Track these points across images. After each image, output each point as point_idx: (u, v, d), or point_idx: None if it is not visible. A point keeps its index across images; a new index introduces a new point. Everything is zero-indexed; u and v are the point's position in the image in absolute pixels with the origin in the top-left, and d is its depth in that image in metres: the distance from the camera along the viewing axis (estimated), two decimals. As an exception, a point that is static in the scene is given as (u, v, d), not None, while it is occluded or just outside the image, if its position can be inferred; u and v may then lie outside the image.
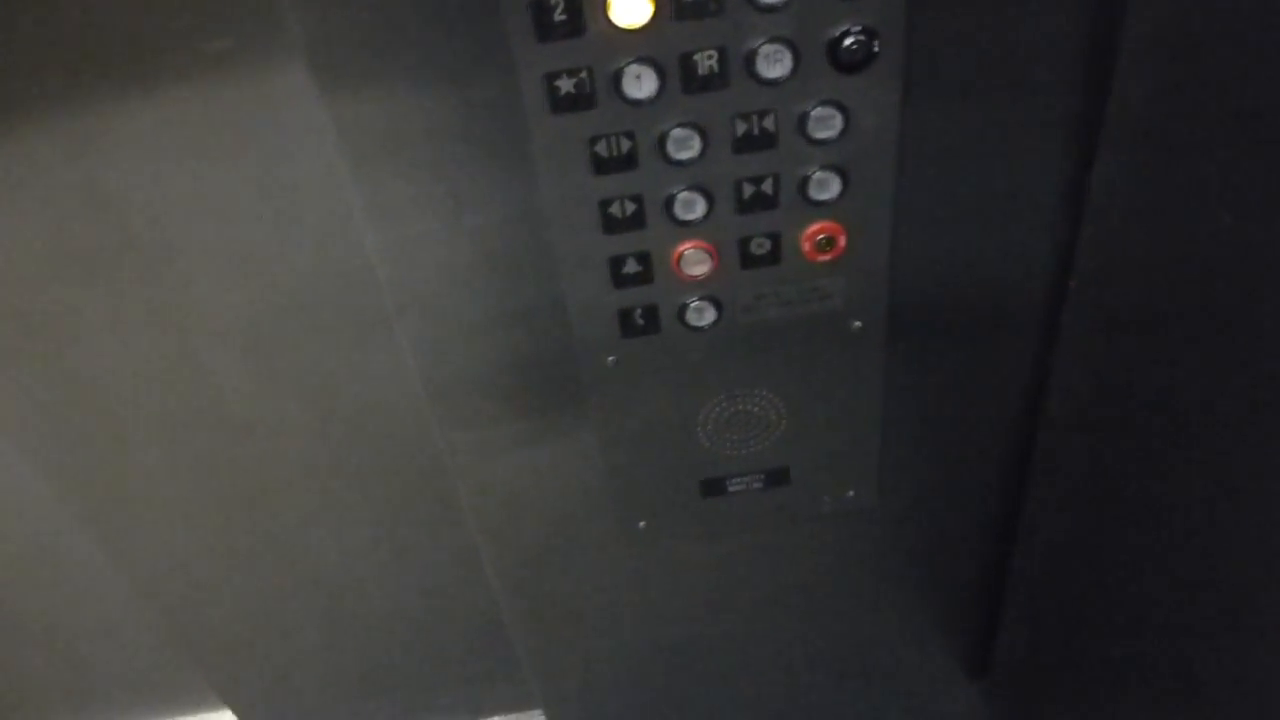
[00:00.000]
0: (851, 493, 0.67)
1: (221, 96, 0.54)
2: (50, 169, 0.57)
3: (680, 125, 0.48)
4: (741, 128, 0.49)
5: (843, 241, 0.53)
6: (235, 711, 0.94)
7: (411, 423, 0.68)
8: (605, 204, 0.51)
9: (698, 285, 0.55)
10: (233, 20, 0.50)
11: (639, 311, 0.56)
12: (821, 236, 0.53)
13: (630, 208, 0.51)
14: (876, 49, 0.46)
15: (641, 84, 0.46)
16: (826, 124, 0.49)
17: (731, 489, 0.66)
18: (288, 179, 0.58)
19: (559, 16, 0.44)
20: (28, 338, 0.64)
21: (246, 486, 0.74)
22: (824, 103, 0.48)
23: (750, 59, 0.46)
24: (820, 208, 0.52)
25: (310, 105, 0.51)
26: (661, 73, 0.46)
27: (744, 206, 0.51)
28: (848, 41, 0.46)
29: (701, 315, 0.56)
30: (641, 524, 0.68)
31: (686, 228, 0.52)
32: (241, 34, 0.51)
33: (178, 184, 0.58)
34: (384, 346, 0.65)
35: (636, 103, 0.47)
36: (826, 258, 0.54)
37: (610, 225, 0.52)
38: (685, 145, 0.49)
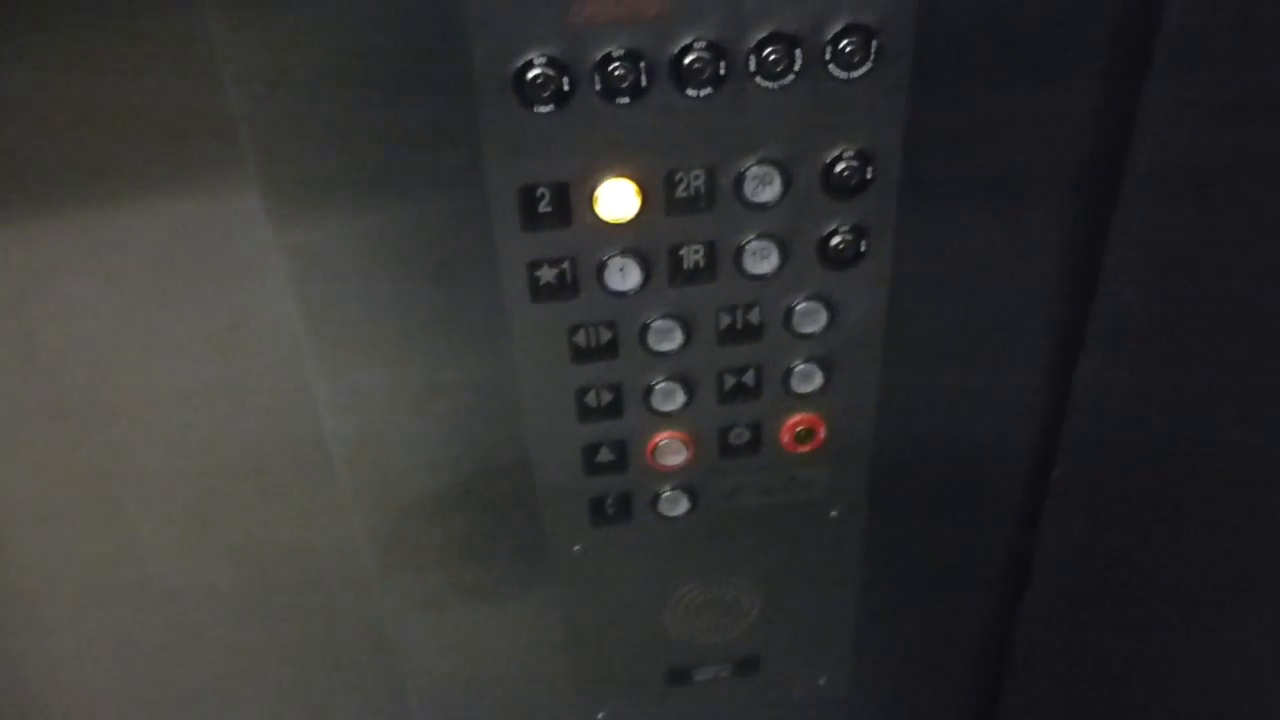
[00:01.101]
0: (823, 681, 0.64)
1: (181, 261, 0.51)
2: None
3: (663, 317, 0.47)
4: (726, 320, 0.47)
5: (823, 433, 0.52)
6: None
7: (352, 603, 0.64)
8: (582, 392, 0.49)
9: (672, 475, 0.53)
10: (197, 192, 0.48)
11: (610, 500, 0.53)
12: (802, 428, 0.51)
13: (607, 397, 0.49)
14: (864, 248, 0.46)
15: (625, 276, 0.45)
16: (812, 318, 0.48)
17: (698, 678, 0.63)
18: (238, 346, 0.55)
19: (545, 208, 0.43)
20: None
21: (166, 660, 0.69)
22: (810, 297, 0.47)
23: (738, 254, 0.45)
24: (802, 399, 0.51)
25: (268, 270, 0.48)
26: (646, 265, 0.45)
27: (725, 397, 0.50)
28: (836, 240, 0.45)
29: (675, 505, 0.54)
30: (600, 715, 0.63)
31: (664, 418, 0.50)
32: (208, 203, 0.49)
33: (121, 337, 0.55)
34: (330, 521, 0.61)
35: (619, 294, 0.45)
36: (806, 449, 0.52)
37: (586, 413, 0.49)
38: (667, 337, 0.47)
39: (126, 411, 0.57)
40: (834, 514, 0.56)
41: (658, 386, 0.49)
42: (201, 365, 0.55)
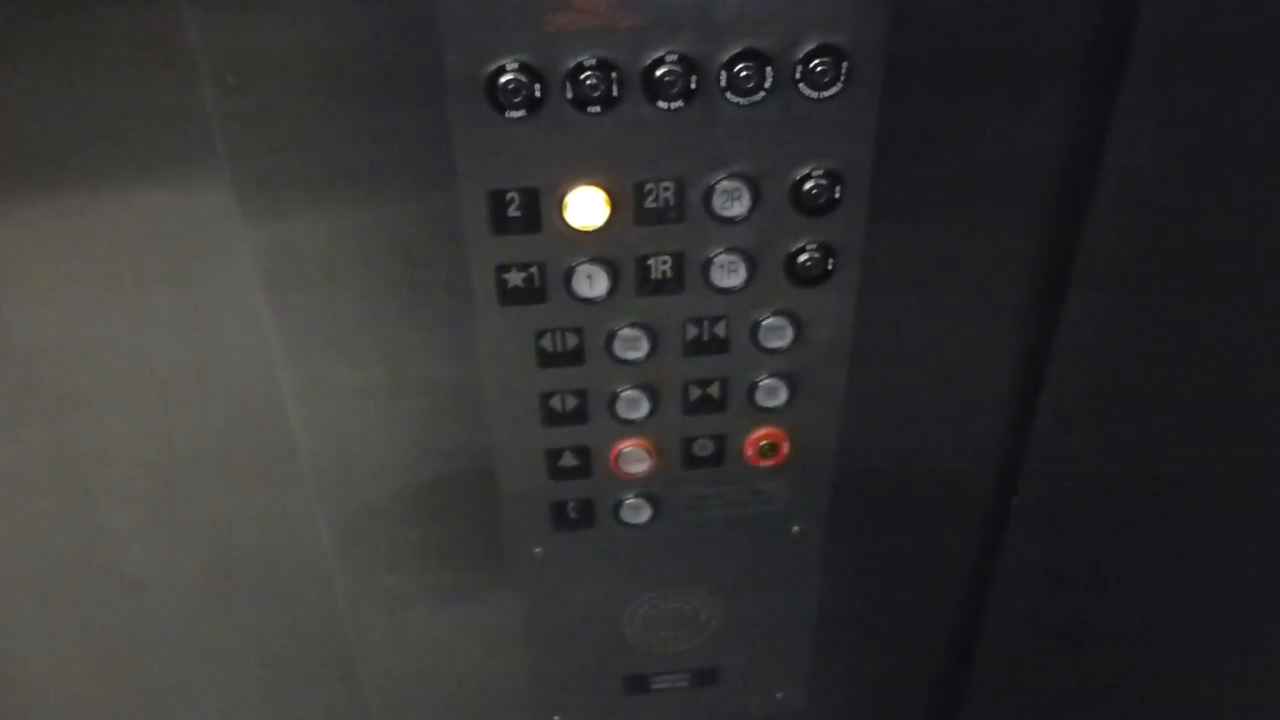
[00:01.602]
0: (780, 695, 0.64)
1: (152, 255, 0.51)
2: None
3: (630, 326, 0.47)
4: (692, 332, 0.47)
5: (786, 448, 0.52)
6: None
7: (315, 596, 0.64)
8: (547, 396, 0.49)
9: (635, 483, 0.53)
10: (170, 186, 0.48)
11: (572, 505, 0.53)
12: (765, 442, 0.52)
13: (572, 403, 0.49)
14: (832, 266, 0.46)
15: (593, 284, 0.45)
16: (778, 334, 0.48)
17: (655, 686, 0.63)
18: (211, 332, 0.55)
19: (514, 212, 0.43)
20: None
21: (127, 644, 0.69)
22: (777, 313, 0.47)
23: (705, 267, 0.45)
24: (766, 414, 0.51)
25: (239, 265, 0.48)
26: (614, 274, 0.45)
27: (689, 408, 0.50)
28: (804, 257, 0.46)
29: (637, 512, 0.54)
30: (556, 718, 0.64)
31: (628, 425, 0.50)
32: (180, 198, 0.49)
33: (91, 329, 0.55)
34: (294, 513, 0.61)
35: (586, 301, 0.46)
36: (769, 463, 0.53)
37: (550, 418, 0.50)
38: (633, 345, 0.47)
39: (97, 402, 0.57)
40: (796, 529, 0.56)
41: (623, 394, 0.49)
42: (171, 358, 0.55)
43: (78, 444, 0.59)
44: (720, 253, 0.45)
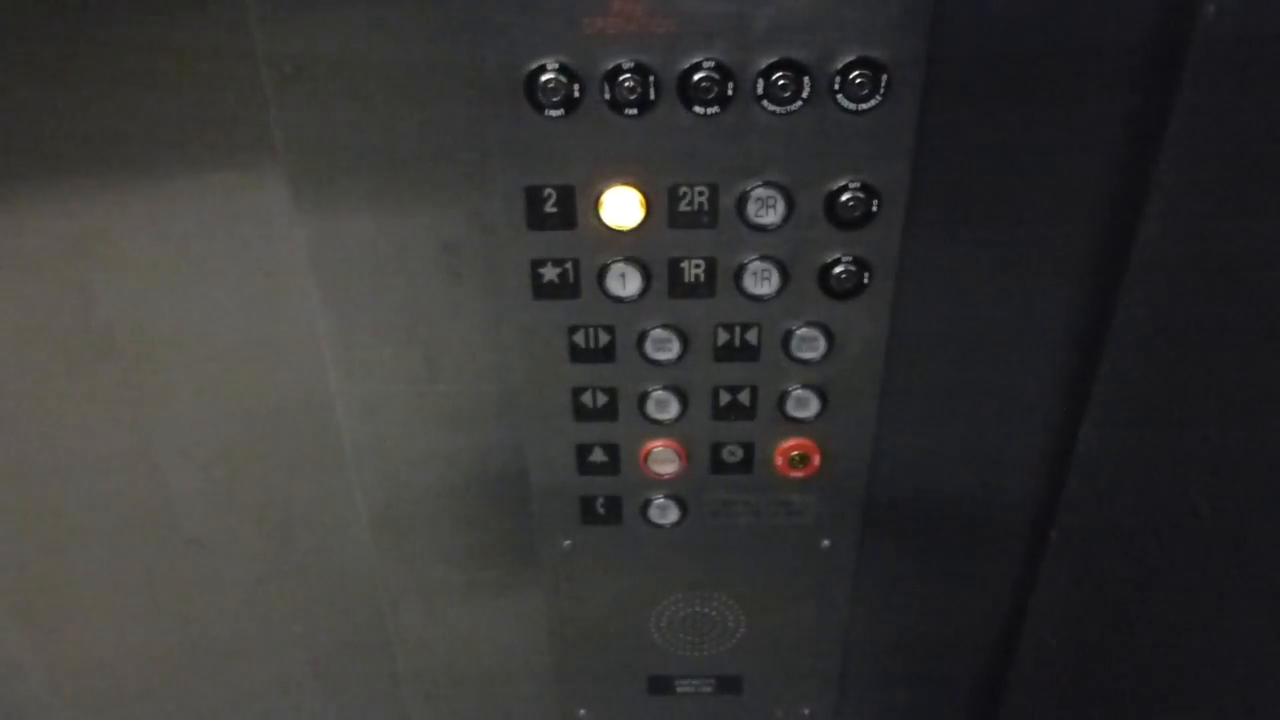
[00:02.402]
0: (807, 710, 0.64)
1: (222, 225, 0.54)
2: (45, 264, 0.57)
3: (661, 326, 0.47)
4: (723, 337, 0.48)
5: (817, 460, 0.52)
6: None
7: (356, 573, 0.66)
8: (578, 391, 0.50)
9: (664, 483, 0.53)
10: (229, 174, 0.51)
11: (601, 501, 0.54)
12: (796, 453, 0.52)
13: (602, 399, 0.50)
14: (867, 280, 0.46)
15: (625, 283, 0.46)
16: (810, 345, 0.48)
17: (680, 689, 0.63)
18: (272, 312, 0.57)
19: (550, 208, 0.44)
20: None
21: (184, 600, 0.72)
22: (810, 324, 0.47)
23: (738, 273, 0.46)
24: (797, 424, 0.51)
25: (297, 250, 0.50)
26: (647, 274, 0.46)
27: (719, 413, 0.50)
28: (838, 270, 0.45)
29: (665, 513, 0.54)
30: (582, 712, 0.64)
31: (658, 426, 0.51)
32: (242, 171, 0.52)
33: (168, 300, 0.58)
34: (338, 493, 0.63)
35: (619, 299, 0.46)
36: (799, 474, 0.52)
37: (581, 413, 0.50)
38: (664, 346, 0.48)
39: (166, 370, 0.60)
40: (826, 543, 0.55)
41: (653, 394, 0.50)
42: (232, 336, 0.58)
43: (147, 408, 0.62)
44: (753, 260, 0.45)
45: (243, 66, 0.44)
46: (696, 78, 0.40)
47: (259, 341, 0.58)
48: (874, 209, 0.44)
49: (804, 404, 0.50)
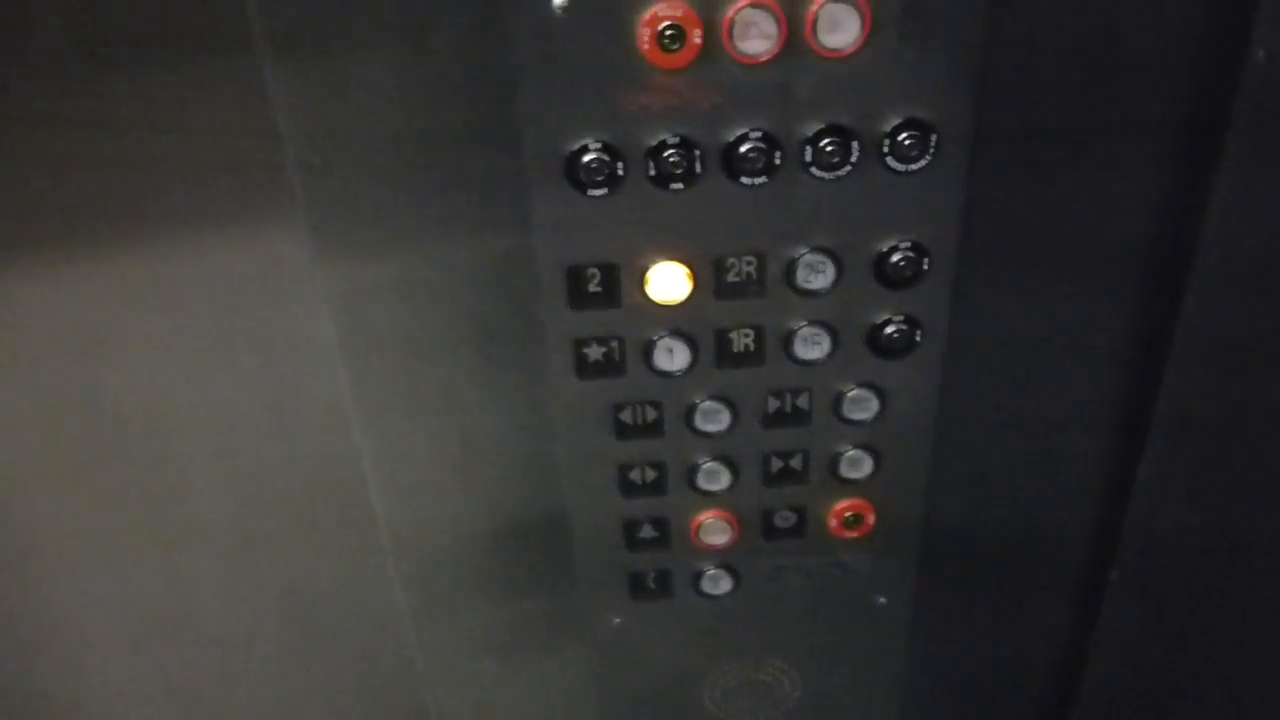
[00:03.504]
0: (864, 768, 0.62)
1: (238, 308, 0.52)
2: (50, 367, 0.55)
3: (710, 398, 0.46)
4: (774, 405, 0.47)
5: (871, 519, 0.51)
6: None
7: (393, 660, 0.64)
8: (625, 468, 0.48)
9: (715, 554, 0.52)
10: (253, 244, 0.49)
11: (651, 576, 0.52)
12: (850, 514, 0.50)
13: (651, 474, 0.49)
14: (918, 338, 0.45)
15: (673, 357, 0.45)
16: (862, 405, 0.47)
17: (735, 759, 0.61)
18: (292, 393, 0.56)
19: (594, 288, 0.43)
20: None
21: (209, 701, 0.70)
22: (860, 385, 0.46)
23: (788, 339, 0.45)
24: (850, 485, 0.50)
25: (318, 325, 0.49)
26: (694, 347, 0.45)
27: (770, 480, 0.49)
28: (889, 329, 0.44)
29: (717, 583, 0.53)
30: (634, 789, 0.62)
31: (708, 497, 0.50)
32: (266, 261, 0.50)
33: (179, 390, 0.56)
34: (374, 571, 0.62)
35: (666, 374, 0.45)
36: (854, 534, 0.51)
37: (628, 489, 0.49)
38: (714, 418, 0.47)
39: (181, 460, 0.58)
40: (881, 600, 0.54)
41: (703, 466, 0.48)
42: (253, 419, 0.56)
43: (162, 502, 0.60)
44: (803, 326, 0.44)
45: (264, 145, 0.43)
46: (743, 149, 0.39)
47: (281, 428, 0.57)
48: (924, 267, 0.43)
49: (857, 464, 0.49)
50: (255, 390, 0.55)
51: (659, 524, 0.50)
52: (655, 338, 0.44)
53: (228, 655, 0.67)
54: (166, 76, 0.44)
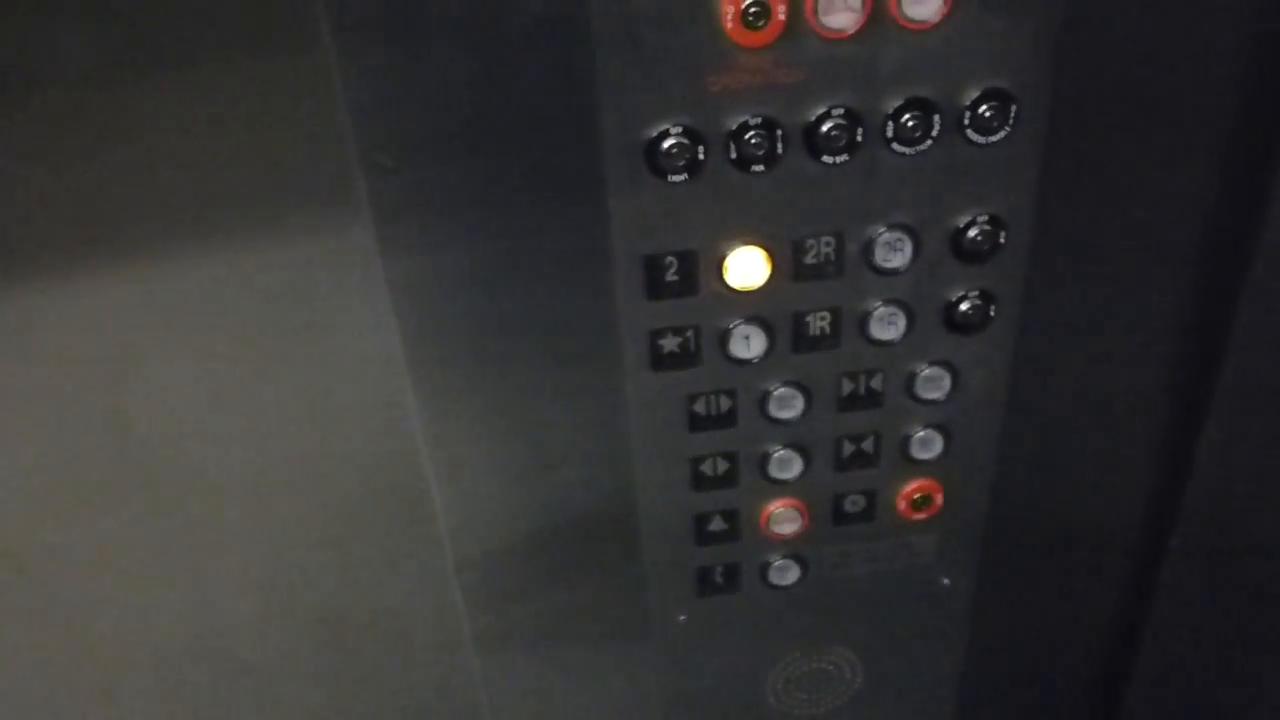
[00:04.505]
0: (922, 752, 0.62)
1: (270, 327, 0.50)
2: (75, 394, 0.53)
3: (784, 384, 0.45)
4: (848, 387, 0.46)
5: (940, 500, 0.50)
6: None
7: (444, 676, 0.63)
8: (697, 461, 0.48)
9: (784, 544, 0.51)
10: (310, 248, 0.47)
11: (719, 570, 0.51)
12: (918, 495, 0.50)
13: (723, 465, 0.48)
14: (992, 313, 0.44)
15: (750, 344, 0.44)
16: (935, 384, 0.46)
17: (796, 749, 0.61)
18: (325, 412, 0.54)
19: (671, 276, 0.42)
20: (20, 574, 0.59)
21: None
22: (934, 363, 0.46)
23: (864, 320, 0.44)
24: (919, 466, 0.49)
25: (364, 334, 0.47)
26: (770, 333, 0.44)
27: (841, 465, 0.48)
28: (964, 305, 0.44)
29: (785, 574, 0.52)
30: (695, 787, 0.61)
31: (779, 485, 0.49)
32: (322, 256, 0.48)
33: (209, 414, 0.54)
34: (407, 591, 0.60)
35: (741, 362, 0.44)
36: (922, 516, 0.51)
37: (700, 483, 0.48)
38: (788, 404, 0.46)
39: (212, 481, 0.56)
40: (946, 581, 0.54)
41: (775, 455, 0.48)
42: (289, 433, 0.55)
43: (189, 529, 0.58)
44: (879, 305, 0.44)
45: (310, 146, 0.42)
46: (825, 127, 0.39)
47: (318, 442, 0.55)
48: (1000, 240, 0.42)
49: (928, 445, 0.48)
50: (286, 408, 0.53)
51: (729, 516, 0.50)
52: (732, 325, 0.43)
53: (262, 681, 0.65)
54: (210, 79, 0.42)
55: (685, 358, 0.44)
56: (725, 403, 0.46)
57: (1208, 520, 0.52)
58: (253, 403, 0.54)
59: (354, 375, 0.52)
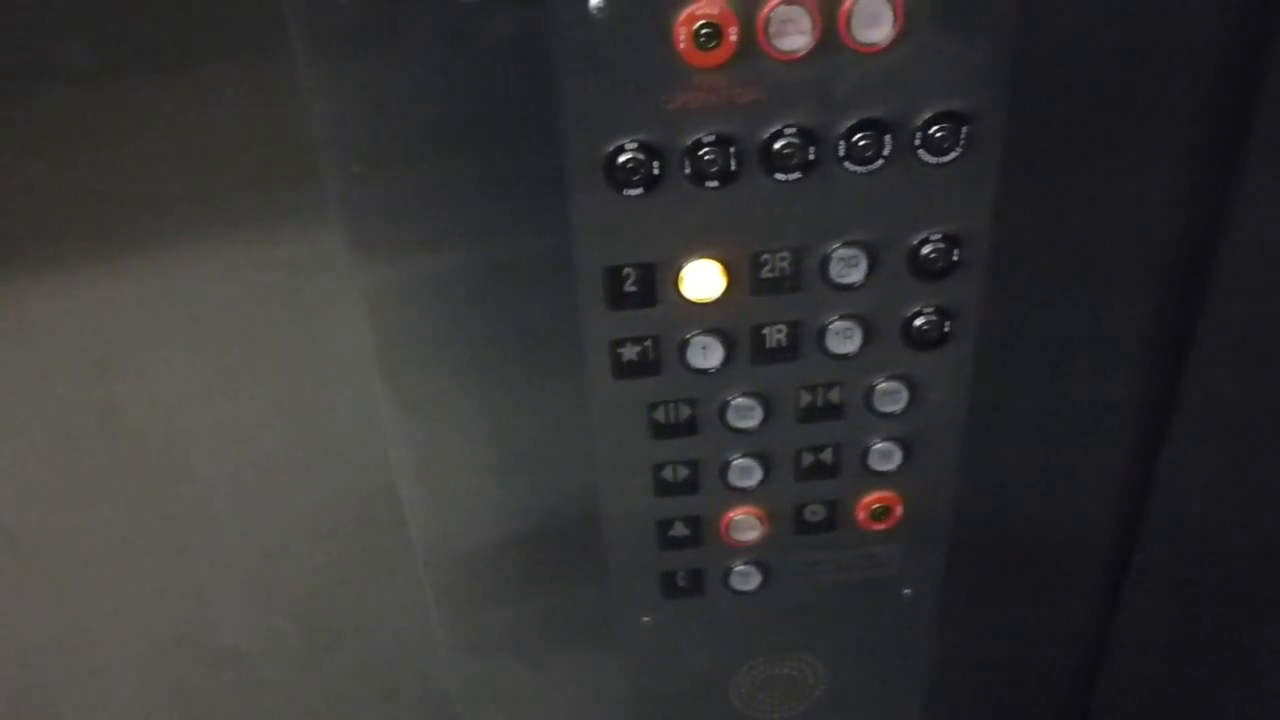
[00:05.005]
0: (888, 759, 0.63)
1: (260, 322, 0.52)
2: (66, 386, 0.54)
3: (744, 395, 0.46)
4: (806, 399, 0.47)
5: (899, 511, 0.51)
6: None
7: (417, 669, 0.64)
8: (659, 467, 0.49)
9: (746, 550, 0.52)
10: (281, 250, 0.49)
11: (682, 574, 0.52)
12: (878, 506, 0.51)
13: (684, 473, 0.49)
14: (949, 329, 0.45)
15: (707, 355, 0.45)
16: (893, 398, 0.47)
17: (761, 753, 0.62)
18: (312, 407, 0.55)
19: (630, 287, 0.43)
20: (15, 560, 0.60)
21: (224, 715, 0.69)
22: (892, 377, 0.47)
23: (821, 334, 0.45)
24: (880, 477, 0.50)
25: (347, 335, 0.49)
26: (729, 344, 0.45)
27: (802, 475, 0.49)
28: (920, 321, 0.45)
29: (747, 580, 0.53)
30: (662, 787, 0.62)
31: (740, 494, 0.50)
32: (294, 259, 0.49)
33: (198, 408, 0.55)
34: (391, 583, 0.61)
35: (700, 372, 0.45)
36: (882, 526, 0.52)
37: (662, 489, 0.49)
38: (747, 414, 0.47)
39: (197, 466, 0.57)
40: (907, 592, 0.55)
41: (735, 463, 0.48)
42: (271, 423, 0.56)
43: (178, 520, 0.59)
44: (836, 320, 0.45)
45: (289, 152, 0.43)
46: (779, 145, 0.40)
47: (300, 440, 0.56)
48: (955, 258, 0.43)
49: (887, 457, 0.49)
50: (275, 403, 0.55)
51: (691, 522, 0.51)
52: (690, 336, 0.44)
53: (247, 669, 0.66)
54: (192, 83, 0.43)
55: (646, 366, 0.45)
56: (685, 411, 0.47)
57: (1170, 531, 0.52)
58: (237, 398, 0.55)
59: (335, 375, 0.53)
